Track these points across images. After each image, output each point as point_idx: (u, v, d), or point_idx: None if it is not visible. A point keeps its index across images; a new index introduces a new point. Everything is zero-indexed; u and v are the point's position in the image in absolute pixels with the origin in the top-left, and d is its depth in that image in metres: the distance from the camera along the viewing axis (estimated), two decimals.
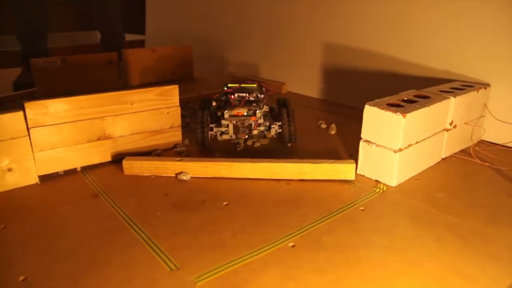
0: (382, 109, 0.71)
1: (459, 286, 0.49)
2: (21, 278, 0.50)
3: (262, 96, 0.92)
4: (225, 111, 0.87)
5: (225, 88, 0.92)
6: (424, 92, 0.83)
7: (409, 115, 0.69)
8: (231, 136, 0.88)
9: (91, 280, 0.50)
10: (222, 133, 0.88)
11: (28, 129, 0.73)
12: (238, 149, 0.90)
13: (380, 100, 0.76)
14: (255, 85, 0.94)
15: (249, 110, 0.88)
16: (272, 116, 0.95)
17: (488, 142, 0.94)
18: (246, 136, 0.89)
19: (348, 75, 1.25)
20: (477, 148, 0.89)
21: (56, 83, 1.34)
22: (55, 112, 0.75)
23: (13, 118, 0.71)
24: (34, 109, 0.73)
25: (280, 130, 0.89)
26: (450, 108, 0.81)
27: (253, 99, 0.91)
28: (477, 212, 0.65)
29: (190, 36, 1.88)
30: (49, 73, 1.34)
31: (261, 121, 0.88)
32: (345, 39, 1.24)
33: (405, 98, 0.78)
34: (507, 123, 0.90)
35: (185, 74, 1.63)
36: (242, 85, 0.93)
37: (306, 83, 1.38)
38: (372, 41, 1.16)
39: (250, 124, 0.88)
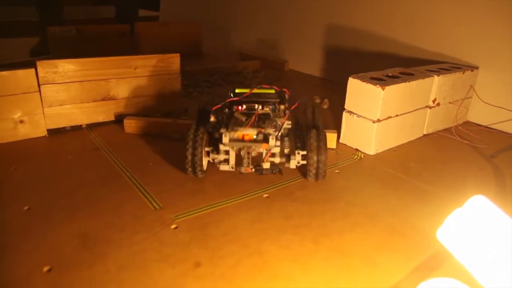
0: (364, 81, 0.76)
1: (409, 236, 0.54)
2: (26, 208, 0.58)
3: (282, 107, 0.69)
4: (224, 132, 0.61)
5: (231, 95, 0.70)
6: (409, 70, 0.87)
7: (388, 88, 0.74)
8: (232, 168, 0.63)
9: (85, 213, 0.57)
10: (221, 162, 0.64)
11: (39, 85, 0.80)
12: (241, 172, 0.64)
13: (364, 74, 0.81)
14: (272, 91, 0.71)
15: (260, 132, 0.62)
16: (295, 135, 0.69)
17: (474, 123, 0.98)
18: (252, 170, 0.63)
19: (347, 55, 1.29)
20: (460, 128, 0.93)
21: (70, 51, 1.41)
22: (64, 72, 0.82)
23: (26, 75, 0.78)
24: (45, 67, 0.80)
25: (304, 162, 0.64)
26: (433, 86, 0.85)
27: (268, 110, 0.68)
28: (444, 180, 0.70)
29: (202, 14, 1.93)
30: (64, 42, 1.41)
31: (276, 150, 0.62)
32: (347, 20, 1.28)
33: (390, 74, 0.83)
34: (492, 105, 0.93)
35: (194, 49, 1.69)
36: (255, 91, 0.70)
37: (307, 62, 1.43)
38: (372, 24, 1.20)
39: (261, 153, 0.63)
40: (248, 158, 0.62)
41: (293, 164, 0.64)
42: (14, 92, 0.77)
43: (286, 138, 0.66)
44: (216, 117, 0.68)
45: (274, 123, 0.65)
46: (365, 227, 0.56)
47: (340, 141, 0.83)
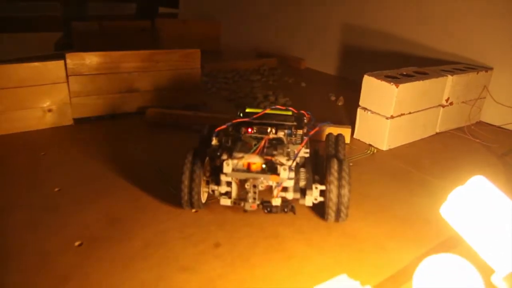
0: (379, 79, 0.79)
1: (418, 226, 0.57)
2: (56, 189, 0.62)
3: (300, 132, 0.59)
4: (225, 160, 0.50)
5: (241, 115, 0.60)
6: (424, 69, 0.89)
7: (402, 85, 0.76)
8: (234, 202, 0.53)
9: (111, 196, 0.60)
10: (222, 194, 0.54)
11: (67, 76, 0.84)
12: (245, 210, 0.53)
13: (379, 72, 0.83)
14: (289, 113, 0.62)
15: (269, 161, 0.51)
16: (313, 165, 0.59)
17: (486, 123, 1.00)
18: (259, 206, 0.52)
19: (363, 54, 1.31)
20: (473, 127, 0.95)
21: (93, 45, 1.46)
22: (90, 64, 0.86)
23: (56, 66, 0.83)
24: (73, 59, 0.84)
25: (322, 199, 0.54)
26: (447, 85, 0.87)
27: (282, 135, 0.58)
28: (454, 176, 0.72)
29: (219, 11, 1.96)
30: (87, 36, 1.46)
31: (289, 183, 0.52)
32: (363, 20, 1.30)
33: (404, 73, 0.85)
34: (506, 106, 0.95)
35: (212, 46, 1.73)
36: (268, 111, 0.61)
37: (324, 60, 1.45)
38: (388, 24, 1.22)
39: (270, 187, 0.52)
40: (254, 192, 0.51)
41: (309, 201, 0.53)
42: (44, 82, 0.82)
43: (302, 169, 0.56)
44: (219, 140, 0.58)
45: (288, 150, 0.56)
46: (376, 216, 0.59)
47: (354, 136, 0.85)
